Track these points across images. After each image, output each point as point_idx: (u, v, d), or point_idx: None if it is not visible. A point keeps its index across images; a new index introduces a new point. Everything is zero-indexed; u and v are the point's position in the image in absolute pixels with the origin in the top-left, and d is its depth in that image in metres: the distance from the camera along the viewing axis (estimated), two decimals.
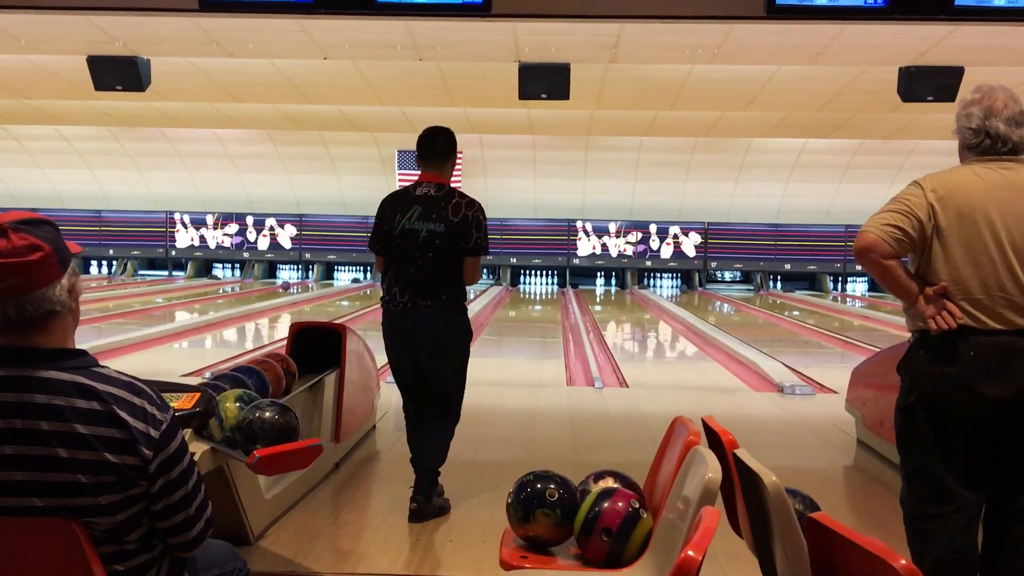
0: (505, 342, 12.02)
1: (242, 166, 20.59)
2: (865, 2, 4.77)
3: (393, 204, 4.14)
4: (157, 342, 10.63)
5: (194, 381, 4.21)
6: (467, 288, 4.23)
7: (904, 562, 1.52)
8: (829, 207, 20.49)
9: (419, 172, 4.19)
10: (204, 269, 22.62)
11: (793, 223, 20.99)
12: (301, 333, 5.12)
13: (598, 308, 17.34)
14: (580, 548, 2.61)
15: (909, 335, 2.85)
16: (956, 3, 4.75)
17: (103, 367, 1.85)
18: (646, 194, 20.65)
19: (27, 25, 8.06)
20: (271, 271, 22.51)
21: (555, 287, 21.41)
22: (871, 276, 2.77)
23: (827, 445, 5.92)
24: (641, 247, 21.39)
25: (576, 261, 21.51)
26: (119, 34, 8.10)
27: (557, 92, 8.68)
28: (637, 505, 2.57)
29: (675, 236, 21.34)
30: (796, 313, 16.52)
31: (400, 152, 19.43)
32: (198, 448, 3.03)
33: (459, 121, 14.84)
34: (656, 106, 13.00)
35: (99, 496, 1.76)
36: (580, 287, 21.12)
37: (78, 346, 1.87)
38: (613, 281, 21.98)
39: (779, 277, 21.67)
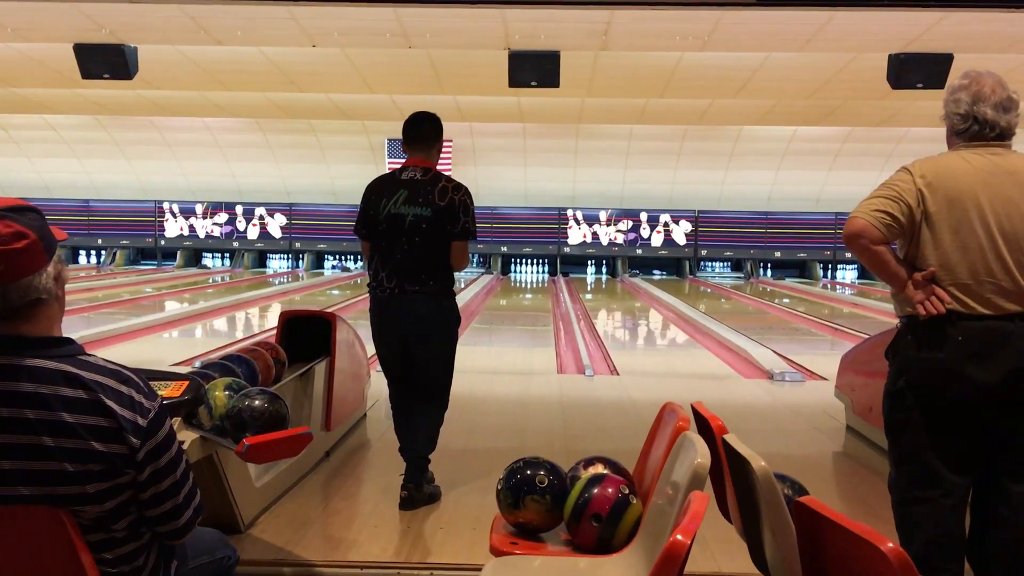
0: (496, 330, 12.02)
1: (231, 155, 20.49)
2: None
3: (379, 189, 4.09)
4: (146, 331, 10.59)
5: (183, 370, 4.19)
6: (456, 274, 4.19)
7: (891, 545, 1.53)
8: (819, 194, 20.53)
9: (406, 158, 4.14)
10: (193, 258, 22.55)
11: (783, 211, 21.04)
12: (291, 322, 5.11)
13: (589, 296, 17.36)
14: (570, 534, 2.62)
15: (898, 321, 2.86)
16: None
17: (90, 355, 1.84)
18: (636, 182, 20.66)
19: (13, 12, 7.99)
20: (261, 260, 22.44)
21: (546, 275, 21.42)
22: (860, 262, 2.77)
23: (816, 431, 5.95)
24: (632, 235, 21.40)
25: (567, 249, 21.51)
26: (106, 22, 8.03)
27: (547, 80, 8.67)
28: (627, 491, 2.57)
29: (665, 224, 21.36)
30: (786, 300, 16.57)
31: (390, 140, 19.36)
32: (187, 436, 3.02)
33: (449, 109, 14.80)
34: (646, 94, 12.99)
35: (86, 484, 1.75)
36: (571, 275, 21.13)
37: (66, 335, 1.86)
38: (604, 269, 22.00)
39: (769, 264, 21.72)
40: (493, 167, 20.12)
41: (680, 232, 21.36)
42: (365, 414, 6.03)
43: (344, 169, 20.47)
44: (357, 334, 5.76)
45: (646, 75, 11.22)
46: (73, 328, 9.06)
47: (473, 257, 20.41)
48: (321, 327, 5.12)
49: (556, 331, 11.31)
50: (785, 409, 6.65)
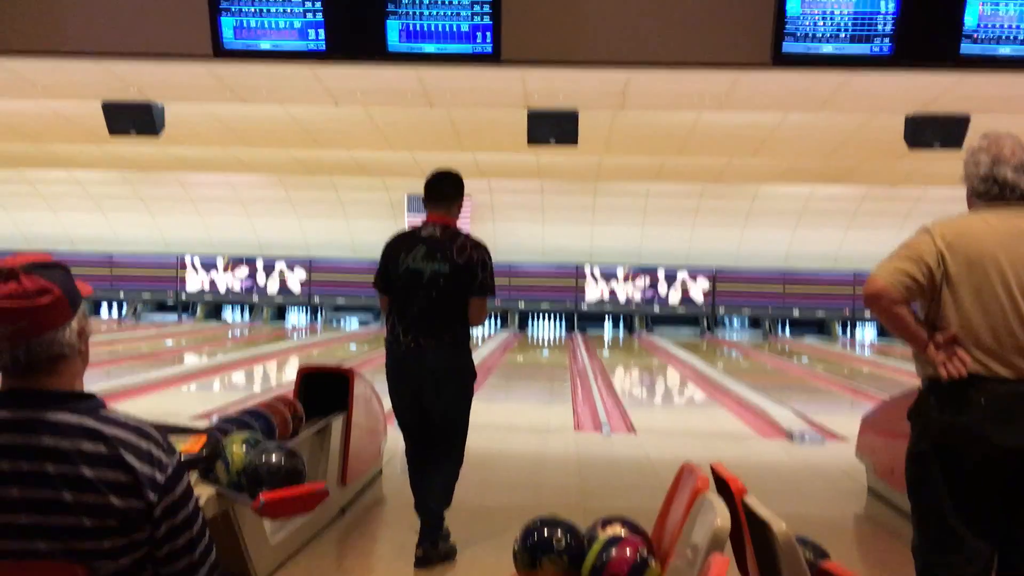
0: (513, 387, 11.97)
1: (253, 210, 20.74)
2: (870, 50, 4.83)
3: (398, 244, 4.16)
4: (165, 385, 10.63)
5: (201, 424, 4.20)
6: (473, 330, 4.21)
7: None
8: (837, 253, 20.48)
9: (426, 214, 4.20)
10: (213, 312, 22.69)
11: (801, 269, 20.99)
12: (308, 376, 5.13)
13: (606, 353, 17.29)
14: None
15: (919, 382, 2.84)
16: (961, 52, 4.80)
17: (111, 410, 1.85)
18: (654, 239, 20.69)
19: (44, 71, 8.19)
20: (280, 314, 22.55)
21: (563, 332, 21.37)
22: (881, 322, 2.76)
23: (837, 493, 5.86)
24: (649, 292, 21.38)
25: (584, 306, 21.49)
26: (134, 80, 8.22)
27: (565, 138, 8.75)
28: (645, 553, 2.54)
29: (683, 281, 21.34)
30: (805, 359, 16.44)
31: (409, 196, 19.56)
32: (204, 492, 3.02)
33: (468, 166, 14.95)
34: (664, 152, 13.08)
35: (103, 540, 1.75)
36: (588, 332, 21.08)
37: (87, 389, 1.88)
38: (621, 326, 21.94)
39: (788, 323, 21.60)
40: (511, 223, 20.24)
41: (698, 289, 21.32)
42: (381, 470, 5.99)
43: (364, 225, 20.65)
44: (375, 389, 5.75)
45: (664, 134, 11.31)
46: (93, 381, 9.09)
47: (490, 313, 20.44)
48: (339, 382, 5.12)
49: (573, 388, 11.25)
50: (805, 470, 6.56)
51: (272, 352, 15.34)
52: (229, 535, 3.43)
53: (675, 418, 10.10)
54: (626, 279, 21.40)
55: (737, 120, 10.18)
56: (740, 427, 8.54)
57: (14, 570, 1.74)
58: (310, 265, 21.86)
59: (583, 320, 21.55)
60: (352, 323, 21.68)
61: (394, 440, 6.58)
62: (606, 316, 21.87)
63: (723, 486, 2.50)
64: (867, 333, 21.45)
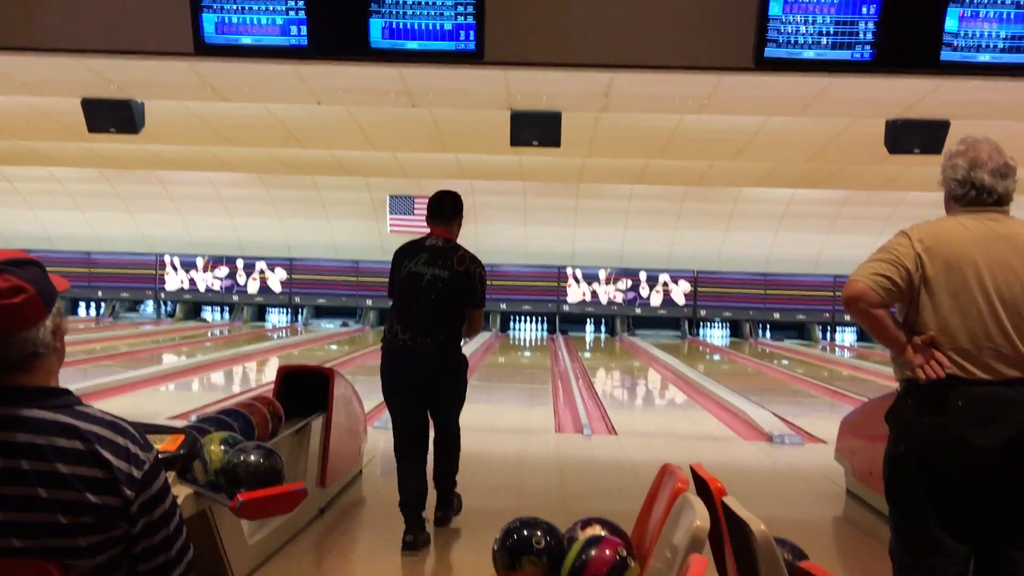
0: (494, 388, 11.96)
1: (233, 209, 20.62)
2: (852, 56, 4.85)
3: (403, 252, 4.53)
4: (143, 384, 10.55)
5: (179, 424, 4.17)
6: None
7: None
8: (818, 257, 20.61)
9: (429, 228, 4.59)
10: (193, 312, 22.54)
11: (782, 272, 21.10)
12: (288, 376, 5.10)
13: (587, 355, 17.32)
14: None
15: (897, 385, 2.86)
16: (942, 58, 4.83)
17: (86, 406, 1.83)
18: (636, 242, 20.75)
19: (22, 67, 8.10)
20: (260, 314, 22.43)
21: (545, 333, 21.39)
22: (859, 325, 2.78)
23: (816, 495, 5.89)
24: (631, 294, 21.43)
25: (566, 308, 21.52)
26: (114, 77, 8.15)
27: (548, 140, 8.75)
28: (625, 553, 2.54)
29: (664, 284, 21.40)
30: (785, 362, 16.53)
31: (392, 197, 19.51)
32: (181, 491, 3.00)
33: (450, 167, 14.93)
34: (646, 155, 13.11)
35: (78, 537, 1.73)
36: (570, 334, 21.11)
37: (64, 387, 1.85)
38: (603, 328, 21.98)
39: (768, 326, 21.71)
40: (493, 225, 20.23)
41: (679, 292, 21.39)
42: (361, 471, 5.97)
43: (346, 225, 20.58)
44: (355, 390, 5.73)
45: (646, 136, 11.34)
46: (69, 380, 9.01)
47: None
48: (319, 382, 5.10)
49: (554, 389, 11.26)
50: (785, 472, 6.59)
51: (252, 352, 15.26)
52: (207, 535, 3.40)
53: (656, 420, 10.13)
54: (608, 281, 21.44)
55: (719, 123, 10.21)
56: (720, 429, 8.57)
57: None
58: (291, 265, 21.76)
59: (565, 322, 21.57)
60: (333, 324, 21.59)
61: (374, 441, 6.56)
62: (588, 318, 21.91)
63: (703, 487, 2.51)
64: (847, 336, 21.59)
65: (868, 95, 7.95)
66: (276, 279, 21.81)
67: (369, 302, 21.25)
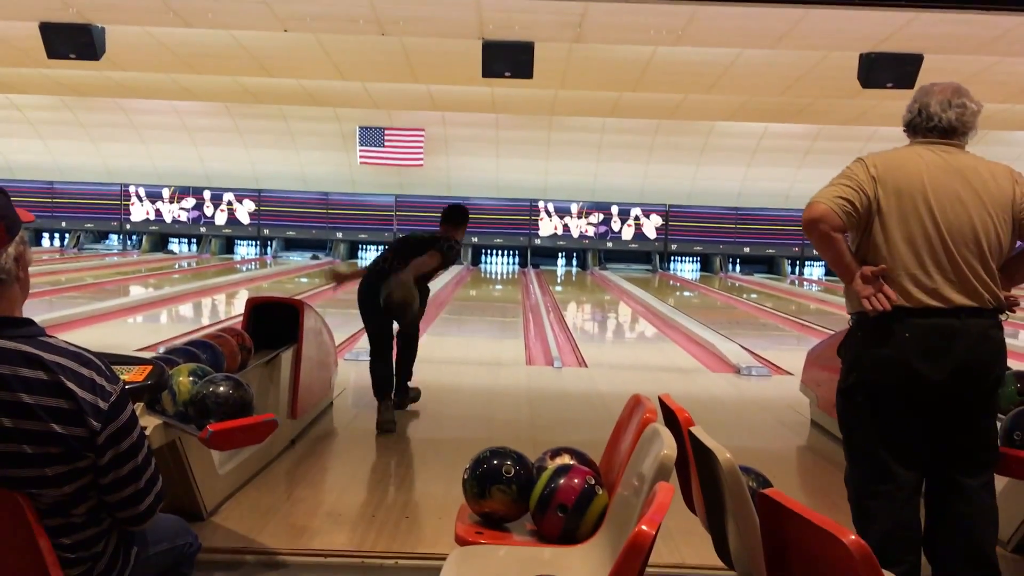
0: (465, 321, 12.00)
1: (200, 139, 20.25)
2: None
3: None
4: (110, 316, 10.45)
5: (147, 355, 4.14)
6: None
7: (853, 537, 1.55)
8: (788, 191, 20.69)
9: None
10: (160, 243, 22.27)
11: (753, 207, 21.18)
12: (258, 308, 5.07)
13: (559, 288, 17.38)
14: (536, 524, 2.62)
15: (849, 319, 2.90)
16: None
17: (50, 337, 1.81)
18: (608, 175, 20.69)
19: None
20: (228, 246, 22.21)
21: (516, 267, 21.41)
22: (817, 249, 2.82)
23: (782, 425, 6.00)
24: (602, 228, 21.45)
25: (537, 241, 21.51)
26: (73, 0, 7.89)
27: (521, 71, 8.64)
28: (593, 482, 2.58)
29: (636, 218, 21.43)
30: (754, 296, 16.70)
31: (361, 128, 19.22)
32: (150, 422, 2.99)
33: (422, 98, 14.72)
34: (620, 87, 12.99)
35: (45, 467, 1.72)
36: (541, 267, 21.14)
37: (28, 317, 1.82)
38: (574, 262, 22.03)
39: (738, 260, 21.87)
40: (465, 157, 20.05)
41: (651, 226, 21.44)
42: (332, 402, 5.99)
43: (315, 156, 20.29)
44: (325, 322, 5.71)
45: (620, 68, 11.22)
46: (35, 311, 8.91)
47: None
48: (288, 314, 5.07)
49: (525, 323, 11.31)
50: (751, 403, 6.71)
51: (221, 284, 15.15)
52: (177, 465, 3.41)
53: (626, 352, 10.23)
54: (580, 215, 21.42)
55: (693, 55, 10.12)
56: (689, 361, 8.68)
57: None
58: (259, 197, 21.49)
59: (536, 255, 21.59)
60: (302, 257, 21.45)
61: (344, 373, 6.58)
62: (559, 252, 21.93)
63: (671, 417, 2.54)
64: (815, 271, 21.82)
65: (842, 27, 7.89)
66: (244, 211, 21.55)
67: (339, 235, 21.08)
